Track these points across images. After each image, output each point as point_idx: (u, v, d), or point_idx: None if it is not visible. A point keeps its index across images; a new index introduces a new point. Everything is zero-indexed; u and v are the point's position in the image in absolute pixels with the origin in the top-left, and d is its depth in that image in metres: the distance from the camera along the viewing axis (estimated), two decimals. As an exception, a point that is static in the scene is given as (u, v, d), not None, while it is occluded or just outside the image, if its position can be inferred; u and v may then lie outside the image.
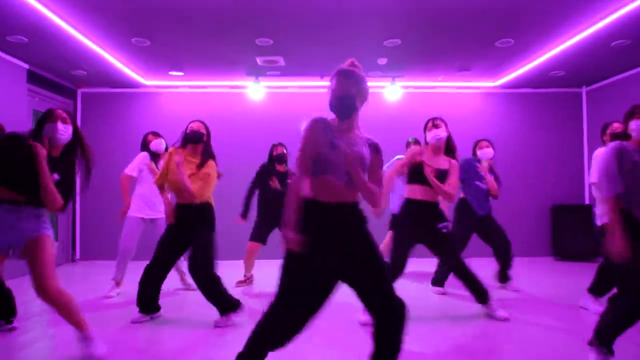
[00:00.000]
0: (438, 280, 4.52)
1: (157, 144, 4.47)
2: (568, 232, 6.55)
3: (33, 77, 5.72)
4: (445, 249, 3.47)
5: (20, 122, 5.29)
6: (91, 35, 4.74)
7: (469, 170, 4.46)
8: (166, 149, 4.49)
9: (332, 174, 1.96)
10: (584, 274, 5.28)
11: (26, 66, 5.51)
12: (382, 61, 5.67)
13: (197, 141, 3.52)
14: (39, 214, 2.58)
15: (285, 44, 5.07)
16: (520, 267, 5.77)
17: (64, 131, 2.62)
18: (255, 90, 6.50)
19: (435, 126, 3.49)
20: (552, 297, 4.22)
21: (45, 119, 2.63)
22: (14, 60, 5.30)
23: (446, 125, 3.53)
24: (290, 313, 1.93)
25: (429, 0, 4.01)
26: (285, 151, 4.85)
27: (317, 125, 2.01)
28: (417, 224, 3.45)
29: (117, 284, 4.40)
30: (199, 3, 4.03)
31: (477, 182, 4.45)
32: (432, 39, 4.96)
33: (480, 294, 3.48)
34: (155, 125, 6.88)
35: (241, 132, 6.89)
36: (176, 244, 3.42)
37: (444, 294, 4.44)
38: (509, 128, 7.07)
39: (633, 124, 2.52)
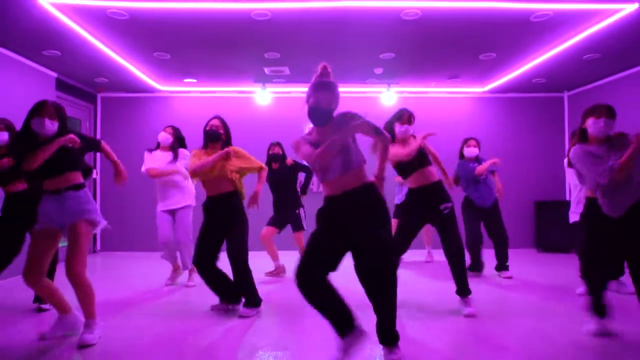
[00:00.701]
0: (502, 266, 5.01)
1: (164, 138, 4.61)
2: (549, 226, 7.14)
3: (60, 85, 6.28)
4: (447, 232, 3.54)
5: (50, 126, 5.86)
6: (117, 48, 5.30)
7: (463, 171, 4.98)
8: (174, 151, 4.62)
9: (328, 174, 2.37)
10: (565, 263, 5.88)
11: (55, 75, 6.07)
12: (379, 71, 6.24)
13: (215, 139, 3.63)
14: (77, 196, 2.82)
15: (290, 56, 5.63)
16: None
17: (50, 127, 2.80)
18: (262, 95, 7.07)
19: (409, 122, 3.64)
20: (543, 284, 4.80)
21: (34, 113, 2.80)
22: (45, 70, 5.86)
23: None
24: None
25: (417, 22, 4.56)
26: (280, 151, 5.14)
27: (296, 145, 2.46)
28: (423, 206, 3.59)
29: (190, 271, 4.68)
30: (216, 24, 4.58)
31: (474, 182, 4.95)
32: (422, 53, 5.53)
33: (464, 286, 3.51)
34: (170, 127, 7.46)
35: (249, 134, 7.44)
36: (209, 235, 3.56)
37: (510, 277, 4.89)
38: (496, 130, 7.63)
39: (590, 121, 2.86)
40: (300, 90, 7.24)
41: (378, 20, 4.51)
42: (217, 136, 3.62)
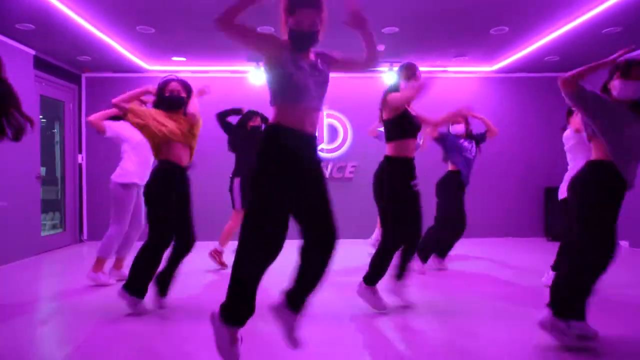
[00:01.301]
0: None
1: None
2: (560, 214, 6.77)
3: (39, 63, 5.85)
4: (418, 210, 3.21)
5: (27, 107, 5.44)
6: (96, 22, 4.87)
7: (449, 141, 4.64)
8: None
9: (303, 100, 2.06)
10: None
11: (32, 52, 5.63)
12: (381, 47, 5.80)
13: (178, 106, 3.21)
14: None
15: (285, 31, 5.19)
16: (516, 247, 6.03)
17: None
18: (256, 75, 6.64)
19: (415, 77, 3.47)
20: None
21: None
22: (22, 47, 5.43)
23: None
24: (258, 232, 1.98)
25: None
26: (259, 123, 4.97)
27: (277, 39, 2.15)
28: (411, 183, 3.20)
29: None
30: (202, -7, 4.16)
31: (465, 154, 4.62)
32: (428, 27, 5.10)
33: (402, 272, 3.27)
34: (159, 109, 7.05)
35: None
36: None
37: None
38: (505, 112, 7.21)
39: (616, 83, 2.53)
40: (297, 70, 6.80)
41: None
42: (179, 102, 3.22)
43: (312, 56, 2.20)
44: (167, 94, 3.20)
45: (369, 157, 6.93)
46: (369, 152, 6.95)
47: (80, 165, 6.93)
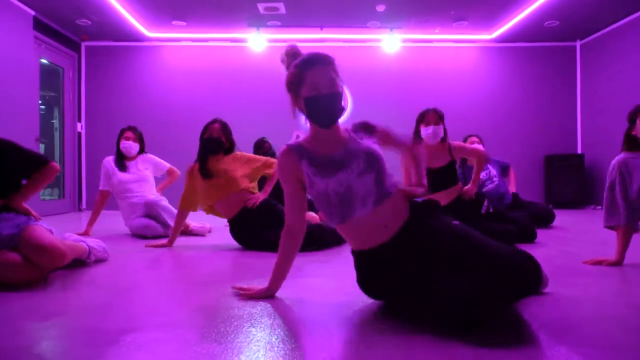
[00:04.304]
0: None
1: (127, 147, 4.02)
2: (560, 181, 6.77)
3: (39, 25, 5.84)
4: None
5: (27, 69, 5.44)
6: (97, -24, 4.87)
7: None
8: (142, 151, 4.13)
9: (359, 207, 1.54)
10: (576, 218, 5.48)
11: (32, 12, 5.62)
12: (381, 8, 5.79)
13: (216, 151, 3.12)
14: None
15: (286, -13, 5.20)
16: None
17: None
18: (257, 41, 6.63)
19: (436, 123, 3.16)
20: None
21: None
22: (20, 5, 5.42)
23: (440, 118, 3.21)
24: None
25: None
26: (269, 147, 4.91)
27: (289, 158, 1.64)
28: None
29: None
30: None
31: (484, 189, 4.40)
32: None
33: None
34: (158, 78, 7.05)
35: (243, 85, 7.05)
36: None
37: None
38: (505, 81, 7.22)
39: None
40: (297, 38, 6.79)
41: None
42: (218, 146, 3.11)
43: (344, 134, 1.66)
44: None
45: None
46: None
47: (79, 134, 6.91)
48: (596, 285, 1.96)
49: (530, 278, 1.48)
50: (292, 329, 1.43)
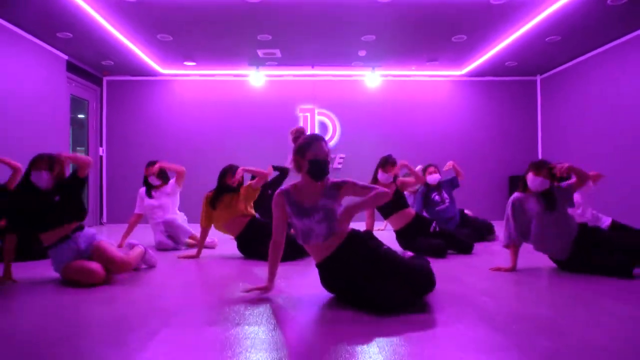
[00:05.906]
0: None
1: (153, 180, 5.00)
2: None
3: (70, 67, 6.84)
4: None
5: (60, 104, 6.44)
6: (124, 30, 5.85)
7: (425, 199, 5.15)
8: (163, 176, 5.02)
9: (313, 239, 2.45)
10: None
11: (65, 57, 6.62)
12: (362, 53, 6.80)
13: (233, 190, 4.13)
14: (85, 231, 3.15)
15: (281, 39, 6.20)
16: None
17: (48, 180, 3.02)
18: (256, 78, 7.64)
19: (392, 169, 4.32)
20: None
21: (32, 166, 3.01)
22: (57, 53, 6.42)
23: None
24: None
25: (391, 5, 5.11)
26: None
27: (280, 200, 2.53)
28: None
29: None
30: (214, 7, 5.12)
31: (437, 208, 5.11)
32: (400, 35, 6.09)
33: None
34: (170, 108, 8.04)
35: (244, 114, 8.05)
36: None
37: None
38: (474, 111, 8.23)
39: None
40: (291, 74, 7.81)
41: (356, 2, 5.06)
42: (232, 190, 4.13)
43: (321, 189, 2.51)
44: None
45: (355, 150, 7.93)
46: (355, 145, 8.00)
47: (101, 157, 7.88)
48: (489, 281, 2.93)
49: (426, 280, 2.45)
50: (279, 312, 2.39)
